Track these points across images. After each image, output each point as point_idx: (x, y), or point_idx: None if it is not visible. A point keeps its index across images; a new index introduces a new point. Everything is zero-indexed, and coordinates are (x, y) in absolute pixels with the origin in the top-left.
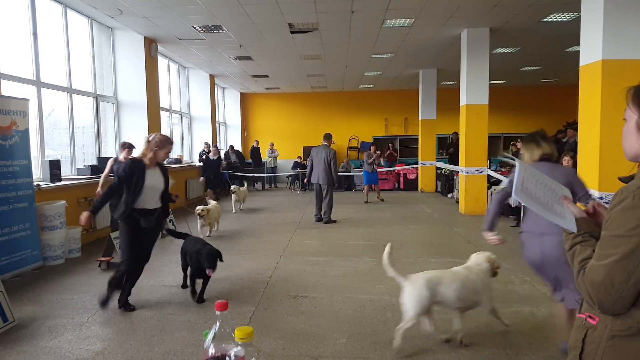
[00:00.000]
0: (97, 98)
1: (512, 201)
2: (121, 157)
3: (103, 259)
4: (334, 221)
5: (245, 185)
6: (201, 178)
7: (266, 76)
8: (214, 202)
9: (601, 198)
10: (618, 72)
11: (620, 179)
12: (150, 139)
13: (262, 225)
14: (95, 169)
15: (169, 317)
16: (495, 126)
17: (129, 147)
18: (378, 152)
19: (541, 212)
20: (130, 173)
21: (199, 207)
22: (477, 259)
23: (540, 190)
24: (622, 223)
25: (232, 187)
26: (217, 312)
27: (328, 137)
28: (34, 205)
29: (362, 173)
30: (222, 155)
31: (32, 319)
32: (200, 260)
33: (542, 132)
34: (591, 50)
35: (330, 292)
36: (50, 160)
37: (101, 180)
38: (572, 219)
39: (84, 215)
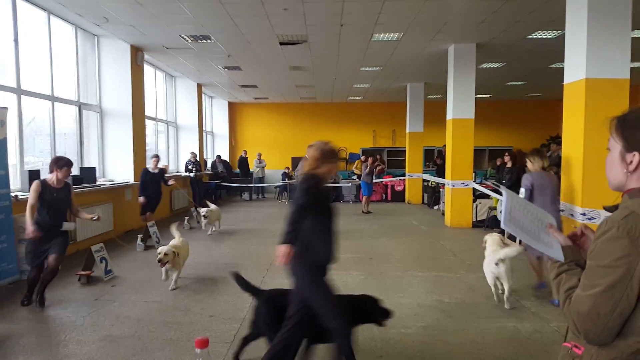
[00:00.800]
0: (81, 106)
1: (499, 215)
2: (51, 178)
3: (83, 272)
4: None
5: (212, 206)
6: (140, 198)
7: (255, 86)
8: (179, 239)
9: (584, 214)
10: (601, 91)
11: (605, 208)
12: (322, 146)
13: (248, 237)
14: (77, 179)
15: (151, 335)
16: (480, 139)
17: (66, 164)
18: (377, 162)
19: (529, 242)
20: (322, 193)
21: (160, 250)
22: (496, 240)
23: (527, 219)
24: (607, 253)
25: (203, 211)
26: (197, 350)
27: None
28: (11, 216)
29: (360, 184)
30: (210, 165)
31: (5, 338)
32: (361, 315)
33: (543, 149)
34: (575, 68)
35: None
36: (29, 170)
37: (27, 213)
38: (559, 247)
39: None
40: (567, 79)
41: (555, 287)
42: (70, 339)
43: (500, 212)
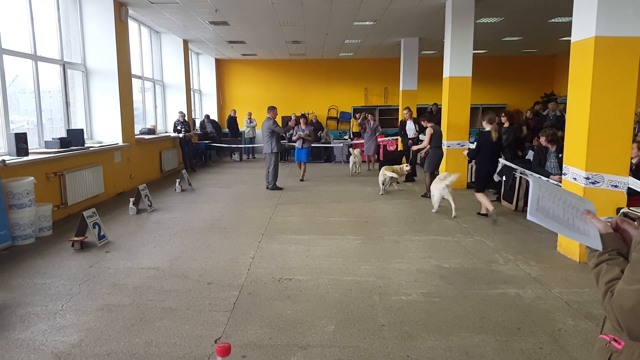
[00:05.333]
0: (65, 65)
1: (495, 176)
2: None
3: (76, 238)
4: (279, 188)
5: None
6: None
7: (243, 42)
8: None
9: (587, 178)
10: (611, 50)
11: None
12: None
13: (241, 200)
14: (65, 142)
15: (149, 304)
16: (474, 97)
17: (273, 109)
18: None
19: (560, 231)
20: None
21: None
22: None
23: (559, 206)
24: None
25: None
26: (219, 359)
27: (270, 109)
28: (0, 182)
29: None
30: (198, 125)
31: (1, 307)
32: None
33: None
34: (584, 26)
35: (315, 274)
36: (16, 134)
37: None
38: (597, 235)
39: None
40: (575, 37)
41: (594, 277)
42: (67, 308)
43: (503, 179)
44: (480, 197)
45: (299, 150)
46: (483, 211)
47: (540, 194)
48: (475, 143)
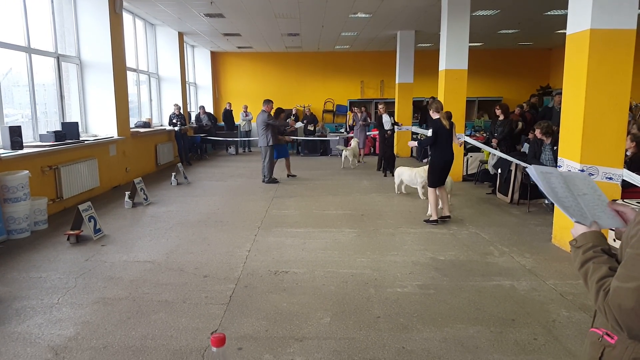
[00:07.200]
0: (59, 58)
1: (491, 169)
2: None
3: (72, 232)
4: (276, 181)
5: None
6: None
7: (238, 35)
8: None
9: (582, 171)
10: (606, 42)
11: None
12: None
13: (237, 194)
14: (60, 135)
15: (145, 297)
16: (470, 90)
17: (269, 101)
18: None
19: (550, 196)
20: None
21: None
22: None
23: (565, 191)
24: None
25: None
26: (214, 349)
27: (266, 102)
28: None
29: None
30: (193, 118)
31: None
32: None
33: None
34: (579, 19)
35: (311, 267)
36: (10, 127)
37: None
38: (584, 218)
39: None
40: (571, 29)
41: (582, 277)
42: (63, 301)
43: (493, 166)
44: (431, 194)
45: (282, 146)
46: (428, 214)
47: (556, 181)
48: (431, 130)
